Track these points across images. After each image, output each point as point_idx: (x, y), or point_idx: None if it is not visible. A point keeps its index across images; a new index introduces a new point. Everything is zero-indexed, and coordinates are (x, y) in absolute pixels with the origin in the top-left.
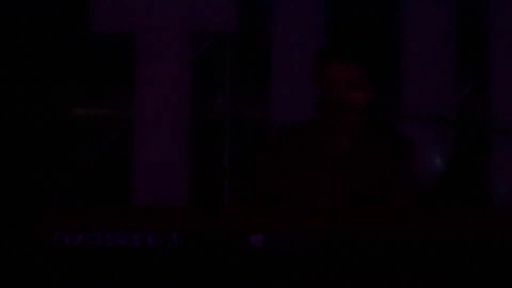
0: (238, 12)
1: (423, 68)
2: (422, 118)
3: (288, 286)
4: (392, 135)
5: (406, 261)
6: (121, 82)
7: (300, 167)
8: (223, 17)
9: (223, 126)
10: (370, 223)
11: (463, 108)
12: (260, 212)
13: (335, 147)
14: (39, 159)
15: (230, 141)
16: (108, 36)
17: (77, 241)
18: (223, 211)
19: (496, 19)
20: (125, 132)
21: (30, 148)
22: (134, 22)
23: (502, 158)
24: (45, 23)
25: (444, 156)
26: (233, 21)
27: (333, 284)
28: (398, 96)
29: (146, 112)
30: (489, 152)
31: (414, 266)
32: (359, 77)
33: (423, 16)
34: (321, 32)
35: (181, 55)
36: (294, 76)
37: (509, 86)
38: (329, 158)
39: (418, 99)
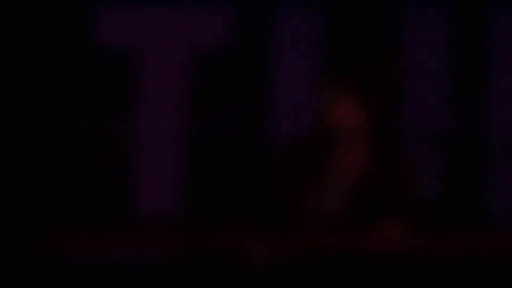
0: (238, 27)
1: (419, 87)
2: (418, 136)
3: None
4: (397, 153)
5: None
6: (121, 97)
7: (306, 183)
8: (223, 32)
9: (222, 141)
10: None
11: (459, 126)
12: (259, 230)
13: (341, 164)
14: (37, 174)
15: (228, 155)
16: (108, 52)
17: (75, 255)
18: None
19: (494, 38)
20: (125, 147)
21: (28, 162)
22: (134, 37)
23: (498, 176)
24: (45, 38)
25: (439, 174)
26: (233, 36)
27: None
28: (395, 112)
29: (145, 127)
30: (485, 170)
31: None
32: (350, 101)
33: (419, 33)
34: (320, 48)
35: (181, 69)
36: (293, 91)
37: (506, 104)
38: (335, 175)
39: (414, 118)
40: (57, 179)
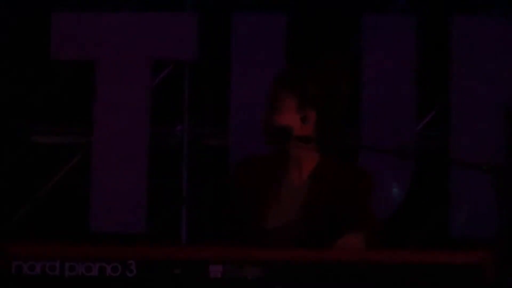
0: (198, 40)
1: (383, 99)
2: (381, 149)
3: None
4: (350, 168)
5: None
6: (80, 109)
7: (257, 201)
8: (183, 45)
9: (181, 154)
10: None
11: (422, 139)
12: (219, 243)
13: (292, 180)
14: None
15: (188, 168)
16: (67, 64)
17: (35, 270)
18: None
19: (455, 50)
20: (83, 159)
21: None
22: (93, 50)
23: (460, 189)
24: (4, 52)
25: (403, 186)
26: (193, 49)
27: None
28: (357, 127)
29: (104, 139)
30: (447, 183)
31: None
32: (288, 102)
33: (383, 47)
34: (280, 61)
35: (140, 82)
36: (253, 104)
37: (468, 117)
38: (285, 191)
39: (377, 130)
40: (18, 191)
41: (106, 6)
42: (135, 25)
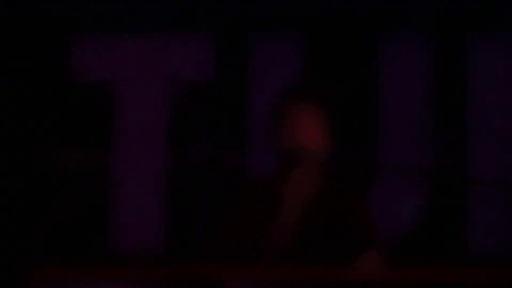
0: (215, 60)
1: (400, 117)
2: (399, 168)
3: None
4: (346, 180)
5: None
6: (99, 131)
7: (261, 221)
8: (200, 66)
9: (199, 174)
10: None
11: (440, 157)
12: (237, 263)
13: (294, 196)
14: (17, 209)
15: (206, 189)
16: (86, 85)
17: None
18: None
19: (473, 68)
20: (103, 181)
21: (8, 199)
22: (111, 71)
23: (478, 208)
24: (23, 75)
25: (421, 205)
26: (210, 70)
27: None
28: (376, 147)
29: (123, 161)
30: (465, 202)
31: None
32: (319, 121)
33: (400, 65)
34: (298, 80)
35: (158, 103)
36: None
37: (485, 136)
38: (290, 208)
39: (395, 149)
40: (38, 213)
41: (123, 28)
42: (152, 46)
